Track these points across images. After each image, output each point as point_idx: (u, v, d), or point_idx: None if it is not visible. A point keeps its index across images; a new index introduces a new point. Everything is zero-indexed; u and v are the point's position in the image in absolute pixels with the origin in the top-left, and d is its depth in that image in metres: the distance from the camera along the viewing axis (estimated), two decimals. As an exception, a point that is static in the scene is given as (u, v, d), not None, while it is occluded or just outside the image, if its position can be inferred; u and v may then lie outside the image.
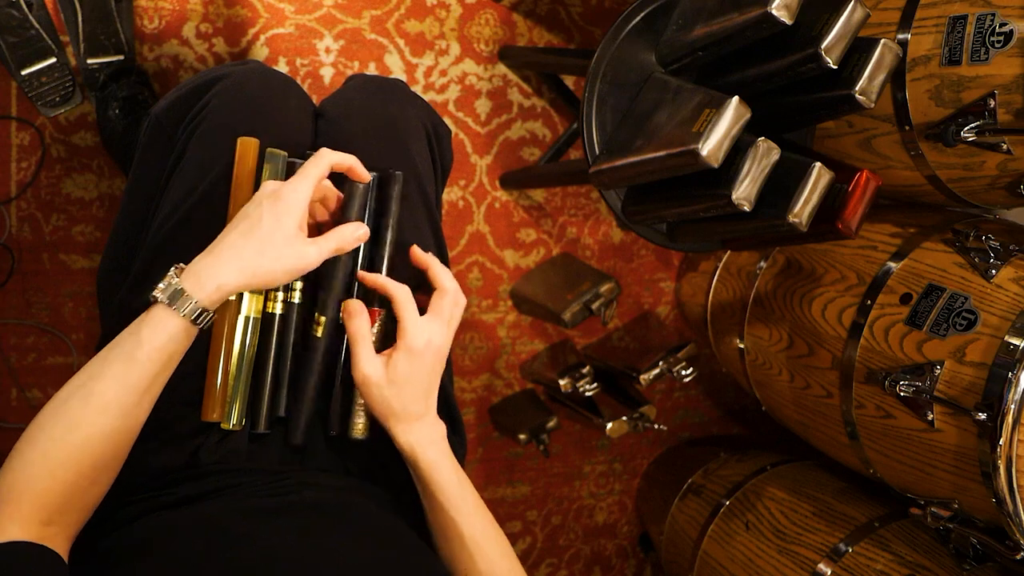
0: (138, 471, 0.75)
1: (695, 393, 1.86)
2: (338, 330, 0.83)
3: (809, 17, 0.90)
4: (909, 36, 1.10)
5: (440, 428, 0.81)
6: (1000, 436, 0.97)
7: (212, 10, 1.44)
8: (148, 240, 0.83)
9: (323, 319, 0.83)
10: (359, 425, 0.83)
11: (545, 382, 1.61)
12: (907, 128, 1.14)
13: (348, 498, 0.82)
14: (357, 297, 0.84)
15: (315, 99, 0.96)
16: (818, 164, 0.91)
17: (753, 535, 1.40)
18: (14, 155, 1.38)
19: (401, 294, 0.79)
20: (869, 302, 1.18)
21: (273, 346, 0.82)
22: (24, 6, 1.28)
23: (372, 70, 1.53)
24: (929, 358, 1.07)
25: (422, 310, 0.80)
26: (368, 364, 0.77)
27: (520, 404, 1.68)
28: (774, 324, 1.37)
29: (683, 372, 1.55)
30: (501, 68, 1.60)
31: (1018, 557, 1.04)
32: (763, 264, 1.44)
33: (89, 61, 1.34)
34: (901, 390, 1.07)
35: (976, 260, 1.09)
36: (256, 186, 0.82)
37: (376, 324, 0.81)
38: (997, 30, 1.01)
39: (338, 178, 0.83)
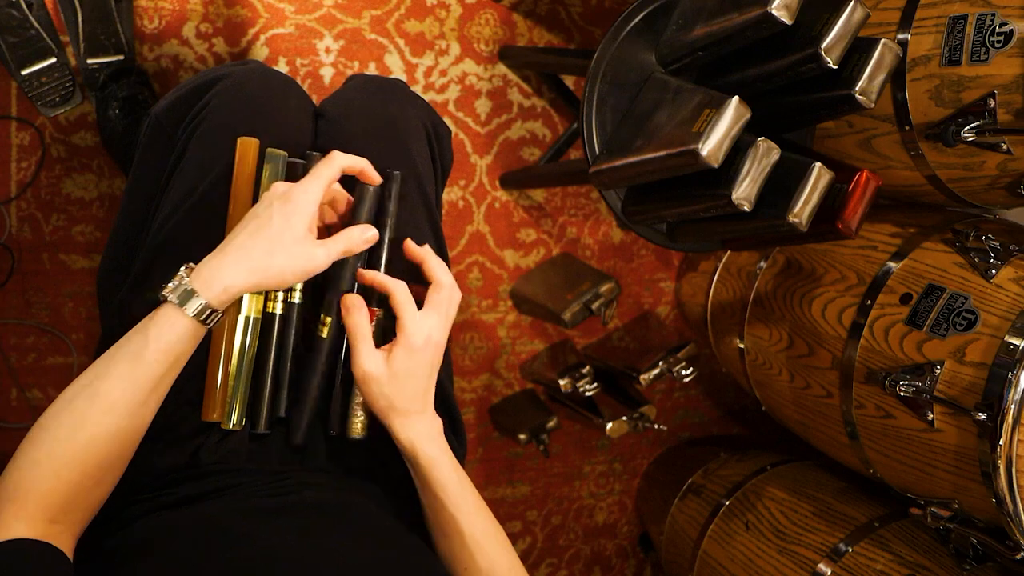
0: (139, 471, 0.75)
1: (695, 393, 1.86)
2: (342, 331, 0.83)
3: (809, 17, 0.90)
4: (909, 36, 1.10)
5: (438, 423, 0.81)
6: (1000, 436, 0.97)
7: (212, 10, 1.44)
8: (148, 240, 0.83)
9: (328, 320, 0.83)
10: (358, 425, 0.83)
11: (545, 382, 1.61)
12: (907, 128, 1.14)
13: (348, 498, 0.82)
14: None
15: (315, 99, 0.96)
16: (818, 164, 0.91)
17: (753, 535, 1.40)
18: (14, 155, 1.38)
19: (399, 289, 0.79)
20: (869, 302, 1.18)
21: (273, 346, 0.82)
22: (24, 6, 1.28)
23: (372, 70, 1.53)
24: (929, 358, 1.07)
25: (418, 303, 0.80)
26: (368, 360, 0.77)
27: (520, 404, 1.68)
28: (774, 324, 1.37)
29: (683, 372, 1.55)
30: (501, 68, 1.60)
31: (1018, 557, 1.04)
32: (763, 264, 1.44)
33: (89, 61, 1.34)
34: (901, 390, 1.07)
35: (976, 260, 1.09)
36: (256, 186, 0.82)
37: (374, 323, 0.81)
38: (997, 30, 1.01)
39: (347, 180, 0.82)
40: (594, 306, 1.53)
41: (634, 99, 1.06)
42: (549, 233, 1.68)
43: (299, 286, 0.84)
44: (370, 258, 0.84)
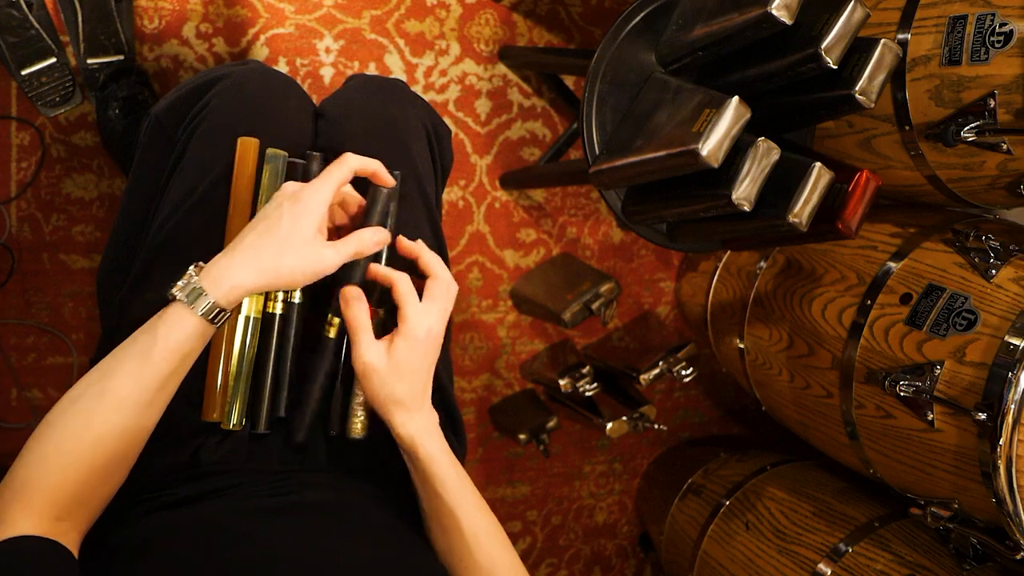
0: (139, 471, 0.75)
1: (695, 393, 1.86)
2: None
3: (809, 17, 0.90)
4: (909, 36, 1.10)
5: (435, 418, 0.80)
6: (1000, 436, 0.97)
7: (212, 10, 1.44)
8: (148, 240, 0.83)
9: (336, 320, 0.82)
10: (358, 425, 0.83)
11: (545, 382, 1.61)
12: (907, 128, 1.14)
13: (348, 498, 0.82)
14: None
15: (315, 99, 0.96)
16: (818, 164, 0.91)
17: (753, 535, 1.40)
18: (14, 155, 1.38)
19: (402, 280, 0.78)
20: (869, 302, 1.18)
21: (273, 346, 0.82)
22: (24, 6, 1.28)
23: (372, 70, 1.53)
24: (929, 358, 1.07)
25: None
26: (369, 351, 0.76)
27: (520, 404, 1.68)
28: (774, 324, 1.37)
29: (683, 372, 1.55)
30: (501, 68, 1.60)
31: (1018, 557, 1.04)
32: (763, 264, 1.44)
33: (89, 61, 1.34)
34: (901, 390, 1.07)
35: (976, 260, 1.09)
36: (256, 186, 0.82)
37: (374, 323, 0.81)
38: (997, 30, 1.01)
39: (360, 183, 0.82)
40: (594, 306, 1.53)
41: (634, 99, 1.06)
42: (549, 233, 1.68)
43: None
44: (369, 259, 0.84)
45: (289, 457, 0.85)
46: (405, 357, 0.76)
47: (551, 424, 1.60)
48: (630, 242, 1.74)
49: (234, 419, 0.80)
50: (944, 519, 1.11)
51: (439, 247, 0.93)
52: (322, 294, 0.84)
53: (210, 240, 0.81)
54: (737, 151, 0.89)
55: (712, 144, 0.86)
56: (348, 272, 0.81)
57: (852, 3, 0.88)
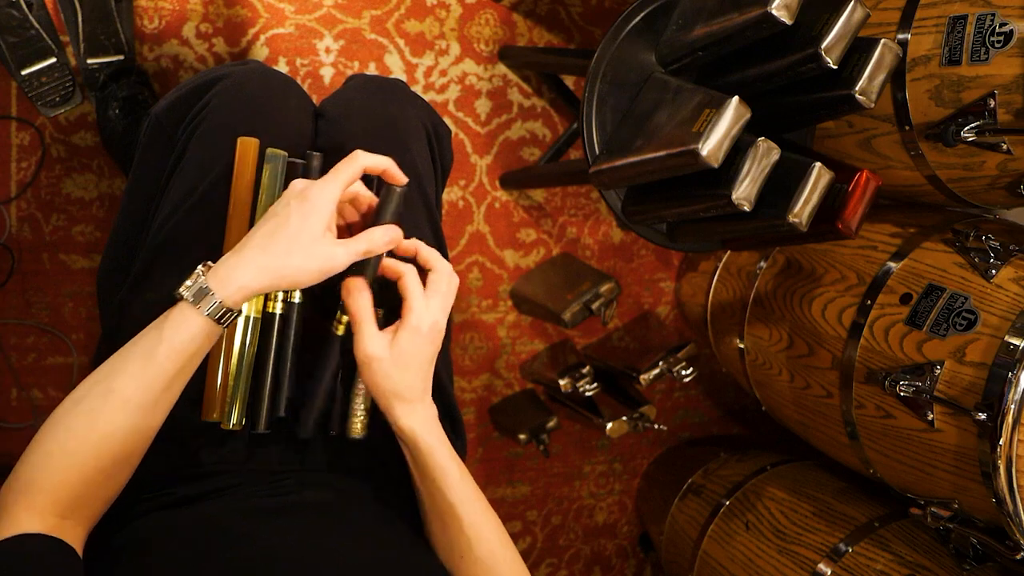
0: (139, 470, 0.75)
1: (695, 393, 1.86)
2: None
3: (809, 17, 0.90)
4: (909, 36, 1.10)
5: (435, 411, 0.80)
6: (1000, 436, 0.97)
7: (212, 10, 1.44)
8: (148, 240, 0.83)
9: (346, 318, 0.82)
10: (358, 425, 0.83)
11: (545, 382, 1.61)
12: (907, 128, 1.14)
13: (348, 498, 0.82)
14: None
15: (315, 99, 0.96)
16: (818, 164, 0.91)
17: (753, 535, 1.40)
18: (14, 155, 1.38)
19: (409, 272, 0.77)
20: (869, 302, 1.18)
21: (273, 346, 0.82)
22: (24, 6, 1.28)
23: (372, 70, 1.53)
24: (929, 358, 1.07)
25: None
26: (372, 342, 0.75)
27: (520, 404, 1.68)
28: (774, 324, 1.37)
29: (683, 372, 1.55)
30: (501, 68, 1.60)
31: (1018, 557, 1.04)
32: (763, 264, 1.44)
33: (89, 61, 1.34)
34: (901, 390, 1.07)
35: (976, 260, 1.09)
36: (256, 186, 0.82)
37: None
38: (997, 30, 1.01)
39: (367, 179, 0.81)
40: (594, 306, 1.53)
41: (634, 99, 1.06)
42: (549, 233, 1.68)
43: None
44: (379, 257, 0.83)
45: (289, 457, 0.85)
46: (408, 349, 0.75)
47: (551, 424, 1.60)
48: (630, 242, 1.74)
49: (234, 419, 0.80)
50: (944, 519, 1.11)
51: (439, 247, 0.93)
52: (326, 293, 0.84)
53: (210, 240, 0.81)
54: (737, 151, 0.89)
55: (712, 144, 0.86)
56: (358, 271, 0.80)
57: (852, 3, 0.88)
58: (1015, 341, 1.00)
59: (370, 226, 0.77)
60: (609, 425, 1.52)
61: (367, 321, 0.76)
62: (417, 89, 1.54)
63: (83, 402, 0.68)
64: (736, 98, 0.87)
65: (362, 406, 0.83)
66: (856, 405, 1.18)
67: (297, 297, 0.83)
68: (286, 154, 0.83)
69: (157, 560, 0.67)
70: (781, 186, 0.92)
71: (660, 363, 1.55)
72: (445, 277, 0.78)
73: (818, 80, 0.94)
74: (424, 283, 0.79)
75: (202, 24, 1.43)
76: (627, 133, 1.03)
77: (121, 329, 0.81)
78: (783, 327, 1.35)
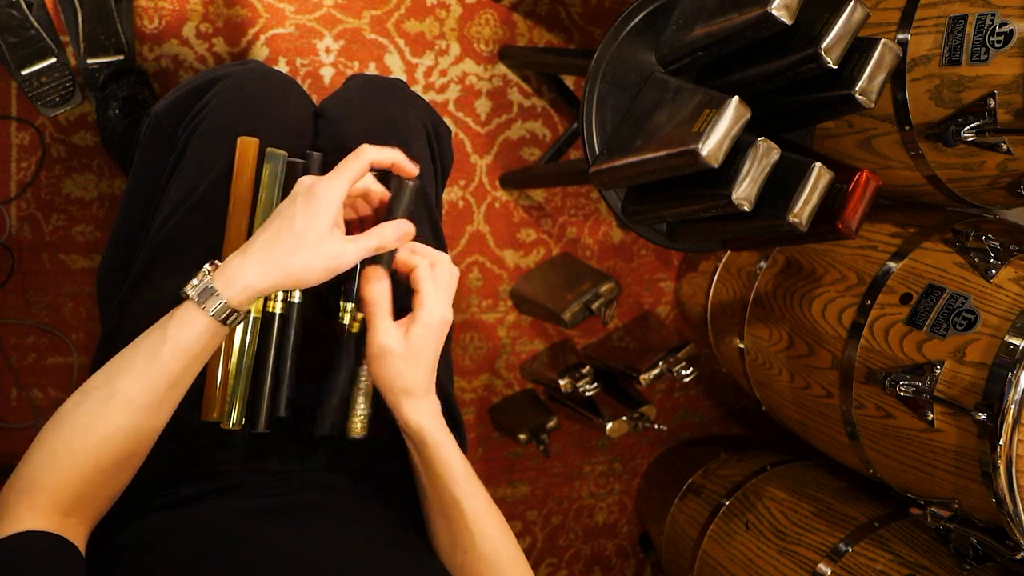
0: (140, 470, 0.75)
1: (695, 393, 1.86)
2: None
3: (809, 17, 0.90)
4: (909, 36, 1.10)
5: (439, 406, 0.79)
6: (1000, 436, 0.97)
7: (212, 10, 1.44)
8: (148, 240, 0.83)
9: (360, 315, 0.81)
10: (358, 425, 0.83)
11: (545, 382, 1.61)
12: (907, 128, 1.14)
13: (348, 498, 0.82)
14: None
15: (315, 99, 0.96)
16: (818, 164, 0.91)
17: (753, 535, 1.40)
18: (14, 155, 1.38)
19: (422, 265, 0.76)
20: (869, 302, 1.18)
21: (273, 345, 0.82)
22: (24, 6, 1.28)
23: (372, 70, 1.53)
24: (929, 358, 1.07)
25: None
26: (388, 335, 0.74)
27: (520, 404, 1.68)
28: (774, 324, 1.37)
29: (683, 372, 1.55)
30: (501, 68, 1.60)
31: (1018, 557, 1.04)
32: (763, 264, 1.44)
33: (89, 61, 1.34)
34: (901, 390, 1.07)
35: (976, 260, 1.09)
36: (256, 186, 0.82)
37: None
38: (997, 30, 1.01)
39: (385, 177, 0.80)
40: (594, 306, 1.53)
41: (634, 99, 1.06)
42: (549, 233, 1.68)
43: None
44: (391, 253, 0.82)
45: (289, 457, 0.85)
46: (420, 343, 0.75)
47: (551, 424, 1.60)
48: (630, 242, 1.74)
49: (233, 419, 0.80)
50: (944, 519, 1.11)
51: (439, 247, 0.93)
52: (331, 292, 0.83)
53: (210, 240, 0.81)
54: (737, 151, 0.89)
55: (712, 144, 0.86)
56: (374, 264, 0.78)
57: (852, 3, 0.88)
58: (1015, 341, 1.00)
59: (383, 220, 0.76)
60: (609, 425, 1.52)
61: (384, 313, 0.75)
62: (417, 89, 1.54)
63: (87, 402, 0.68)
64: (736, 98, 0.87)
65: (363, 406, 0.83)
66: (856, 405, 1.18)
67: (297, 297, 0.83)
68: (286, 154, 0.83)
69: (158, 560, 0.67)
70: (781, 186, 0.92)
71: (660, 363, 1.55)
72: (446, 267, 0.77)
73: (818, 80, 0.94)
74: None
75: (202, 24, 1.43)
76: (627, 133, 1.03)
77: (121, 329, 0.81)
78: (783, 327, 1.35)
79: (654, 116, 0.99)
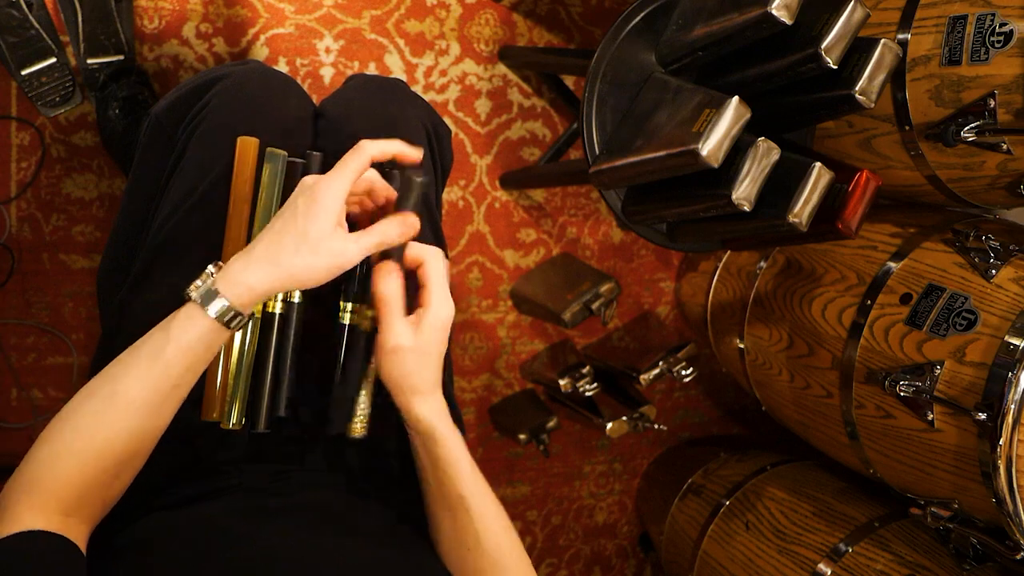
0: (142, 469, 0.75)
1: (695, 393, 1.86)
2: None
3: (809, 17, 0.90)
4: (909, 36, 1.10)
5: (445, 403, 0.79)
6: (1000, 436, 0.97)
7: (212, 10, 1.44)
8: (148, 240, 0.83)
9: (370, 312, 0.81)
10: (358, 425, 0.83)
11: (545, 382, 1.61)
12: (907, 128, 1.14)
13: (348, 498, 0.82)
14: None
15: (315, 99, 0.96)
16: (818, 164, 0.91)
17: (753, 535, 1.40)
18: (14, 155, 1.38)
19: (432, 259, 0.76)
20: (869, 302, 1.18)
21: (273, 345, 0.82)
22: (24, 6, 1.28)
23: (372, 70, 1.53)
24: (929, 358, 1.07)
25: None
26: (402, 332, 0.74)
27: (520, 404, 1.68)
28: (774, 324, 1.37)
29: (683, 372, 1.55)
30: (501, 68, 1.60)
31: (1018, 557, 1.04)
32: (763, 264, 1.44)
33: (89, 61, 1.34)
34: (901, 390, 1.07)
35: (976, 260, 1.09)
36: (256, 186, 0.82)
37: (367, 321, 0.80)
38: (997, 30, 1.01)
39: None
40: (594, 306, 1.53)
41: (634, 99, 1.06)
42: (549, 233, 1.68)
43: None
44: (400, 248, 0.81)
45: (289, 457, 0.85)
46: (429, 340, 0.74)
47: (551, 424, 1.60)
48: (630, 242, 1.74)
49: (233, 419, 0.80)
50: (944, 519, 1.11)
51: (439, 247, 0.92)
52: (332, 292, 0.83)
53: (210, 240, 0.81)
54: (737, 151, 0.89)
55: (712, 144, 0.86)
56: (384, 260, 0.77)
57: (852, 3, 0.88)
58: (1015, 341, 1.00)
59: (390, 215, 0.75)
60: (609, 425, 1.52)
61: (398, 311, 0.74)
62: (417, 89, 1.54)
63: (89, 402, 0.68)
64: (736, 98, 0.87)
65: (364, 405, 0.83)
66: (856, 405, 1.18)
67: (297, 297, 0.83)
68: (286, 154, 0.83)
69: (158, 560, 0.67)
70: (781, 186, 0.92)
71: (660, 363, 1.55)
72: (440, 261, 0.77)
73: (818, 80, 0.94)
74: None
75: (202, 24, 1.43)
76: (627, 133, 1.03)
77: (121, 329, 0.81)
78: (783, 327, 1.35)
79: (654, 116, 0.99)
